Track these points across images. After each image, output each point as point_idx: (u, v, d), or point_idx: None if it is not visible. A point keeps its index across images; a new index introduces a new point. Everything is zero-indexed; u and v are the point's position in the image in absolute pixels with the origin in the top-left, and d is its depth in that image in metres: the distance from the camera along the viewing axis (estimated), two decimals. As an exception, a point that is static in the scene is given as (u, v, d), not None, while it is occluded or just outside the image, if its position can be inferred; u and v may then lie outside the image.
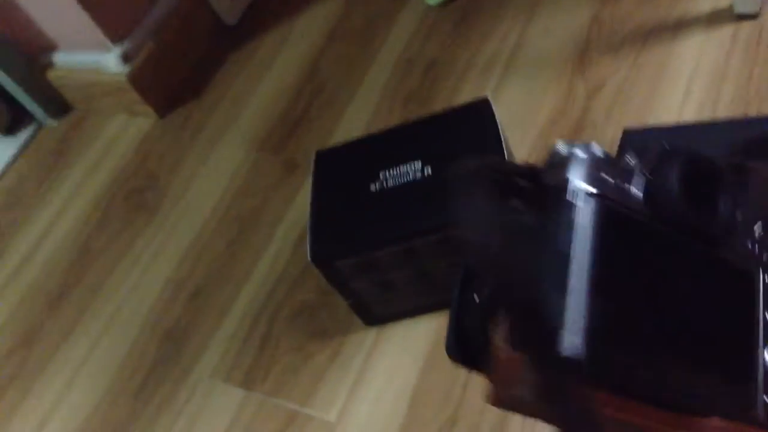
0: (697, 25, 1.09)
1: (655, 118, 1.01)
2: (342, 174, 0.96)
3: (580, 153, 0.33)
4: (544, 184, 0.32)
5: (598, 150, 0.34)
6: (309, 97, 1.32)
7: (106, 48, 1.39)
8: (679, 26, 1.10)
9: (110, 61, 1.40)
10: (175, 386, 1.03)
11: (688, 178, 0.33)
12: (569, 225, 0.31)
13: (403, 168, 0.91)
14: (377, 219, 0.88)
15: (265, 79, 1.39)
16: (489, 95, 0.94)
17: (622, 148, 0.95)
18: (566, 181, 0.32)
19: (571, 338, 0.29)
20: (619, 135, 0.94)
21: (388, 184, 0.90)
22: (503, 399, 0.31)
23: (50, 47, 1.48)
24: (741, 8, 1.06)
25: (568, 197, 0.32)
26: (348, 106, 1.28)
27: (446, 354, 0.34)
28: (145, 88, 1.41)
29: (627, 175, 0.33)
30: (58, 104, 1.53)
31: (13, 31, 1.45)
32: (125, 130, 1.43)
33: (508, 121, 1.08)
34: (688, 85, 1.03)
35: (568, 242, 0.31)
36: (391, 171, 0.91)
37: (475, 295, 0.34)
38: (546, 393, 0.29)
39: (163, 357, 1.07)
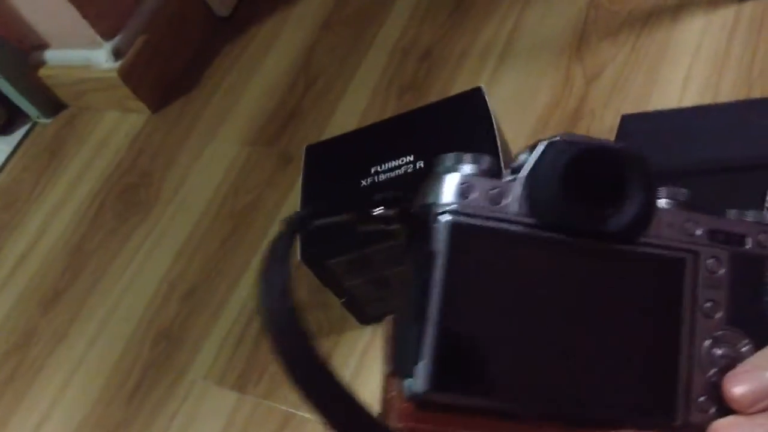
0: (697, 7, 1.05)
1: (655, 104, 0.98)
2: (333, 169, 0.94)
3: (451, 168, 0.30)
4: (408, 209, 0.30)
5: (485, 161, 0.30)
6: (303, 89, 1.30)
7: (96, 44, 1.37)
8: (680, 8, 1.07)
9: (101, 57, 1.38)
10: (169, 389, 1.01)
11: (581, 174, 0.29)
12: (429, 249, 0.29)
13: (395, 162, 0.88)
14: (368, 216, 0.85)
15: (258, 71, 1.37)
16: (485, 84, 0.91)
17: (621, 134, 0.92)
18: (429, 203, 0.30)
19: (421, 371, 0.28)
20: (618, 122, 0.91)
21: (380, 179, 0.87)
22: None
23: (41, 45, 1.46)
24: (743, -12, 1.02)
25: (429, 220, 0.29)
26: (342, 97, 1.25)
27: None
28: (137, 83, 1.38)
29: (507, 184, 0.30)
30: (50, 102, 1.51)
31: (4, 29, 1.43)
32: (118, 126, 1.41)
33: (505, 110, 1.05)
34: (689, 69, 1.00)
35: (428, 268, 0.29)
36: (383, 165, 0.88)
37: None
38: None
39: (157, 359, 1.05)
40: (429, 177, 0.30)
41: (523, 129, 1.05)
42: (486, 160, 0.30)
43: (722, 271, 0.31)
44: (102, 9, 1.36)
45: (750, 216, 0.32)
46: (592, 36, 1.10)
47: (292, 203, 1.15)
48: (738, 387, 0.28)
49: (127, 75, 1.37)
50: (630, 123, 0.92)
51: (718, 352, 0.30)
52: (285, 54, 1.37)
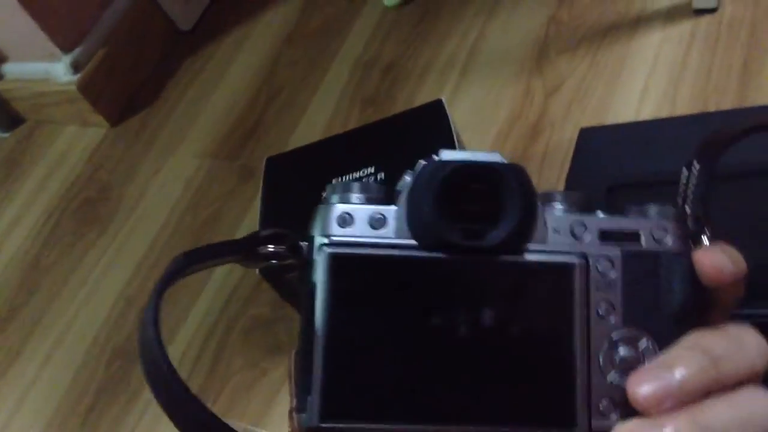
0: (655, 22, 1.07)
1: (614, 117, 0.99)
2: (293, 182, 0.93)
3: (338, 199, 0.30)
4: (296, 243, 0.30)
5: (372, 188, 0.30)
6: (265, 102, 1.29)
7: (55, 57, 1.35)
8: (637, 23, 1.08)
9: (60, 70, 1.36)
10: (125, 408, 0.99)
11: (457, 192, 0.29)
12: (311, 285, 0.29)
13: (356, 173, 0.88)
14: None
15: (220, 84, 1.36)
16: (447, 97, 0.91)
17: (579, 147, 0.93)
18: (310, 236, 0.30)
19: (310, 404, 0.28)
20: (577, 134, 0.92)
21: (340, 192, 0.86)
22: None
23: (-2, 58, 1.43)
24: (699, 3, 1.04)
25: (310, 253, 0.29)
26: (305, 110, 1.25)
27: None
28: (97, 97, 1.37)
29: (388, 209, 0.30)
30: (8, 116, 1.48)
31: (-41, 41, 1.40)
32: (77, 140, 1.39)
33: (466, 122, 1.06)
34: (647, 83, 1.01)
35: (311, 301, 0.29)
36: (344, 177, 0.88)
37: None
38: None
39: (113, 377, 1.03)
40: (315, 209, 0.31)
41: (483, 141, 1.05)
42: (374, 188, 0.30)
43: (615, 272, 0.30)
44: (61, 21, 1.34)
45: (651, 211, 0.31)
46: (552, 50, 1.11)
47: (253, 217, 1.13)
48: (642, 387, 0.27)
49: (86, 88, 1.35)
50: (589, 135, 0.93)
51: (618, 353, 0.29)
52: (247, 68, 1.36)
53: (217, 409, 0.93)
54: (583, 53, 1.08)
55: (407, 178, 0.30)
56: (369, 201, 0.30)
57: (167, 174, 1.26)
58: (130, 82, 1.41)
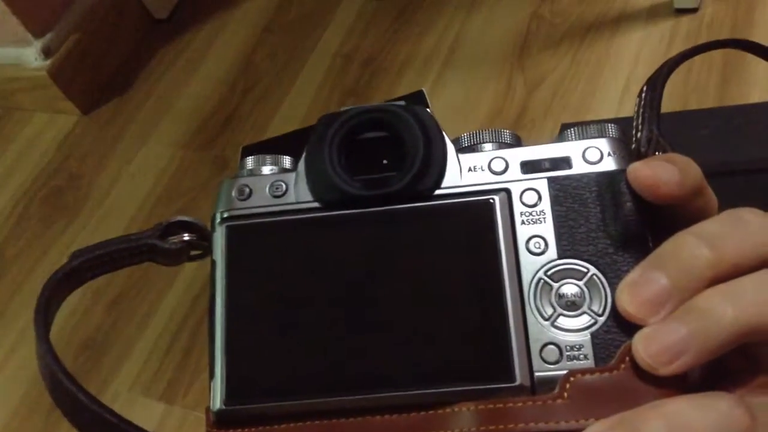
0: (636, 20, 1.07)
1: (595, 113, 0.99)
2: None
3: (248, 173, 0.28)
4: (199, 227, 0.29)
5: (286, 160, 0.29)
6: (242, 93, 1.27)
7: (26, 42, 1.32)
8: (619, 21, 1.08)
9: (30, 55, 1.32)
10: (92, 400, 0.96)
11: (354, 142, 0.27)
12: (212, 263, 0.27)
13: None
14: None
15: (196, 74, 1.33)
16: (428, 90, 0.90)
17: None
18: (213, 213, 0.28)
19: (215, 389, 0.26)
20: (557, 130, 0.91)
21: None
22: None
23: (-34, 41, 1.39)
24: (680, 3, 1.04)
25: (212, 231, 0.28)
26: (283, 101, 1.23)
27: None
28: (68, 83, 1.33)
29: (289, 175, 0.28)
30: (-24, 101, 1.44)
31: (-75, 23, 1.36)
32: (46, 127, 1.35)
33: (446, 118, 1.04)
34: (627, 80, 1.00)
35: (213, 283, 0.27)
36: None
37: None
38: None
39: (81, 369, 1.00)
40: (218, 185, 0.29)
41: (464, 136, 1.04)
42: (287, 160, 0.29)
43: (542, 203, 0.27)
44: (33, 5, 1.30)
45: (589, 132, 0.28)
46: (534, 46, 1.11)
47: (228, 209, 1.11)
48: (632, 298, 0.23)
49: (57, 75, 1.32)
50: (570, 132, 0.92)
51: (557, 291, 0.25)
52: (224, 58, 1.33)
53: (188, 402, 0.91)
54: (565, 50, 1.08)
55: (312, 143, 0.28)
56: (274, 171, 0.28)
57: (139, 163, 1.23)
58: (102, 69, 1.38)
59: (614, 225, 0.26)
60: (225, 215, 0.28)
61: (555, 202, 0.27)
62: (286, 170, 0.28)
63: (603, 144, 0.27)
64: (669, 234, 0.24)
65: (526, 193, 0.27)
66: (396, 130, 0.27)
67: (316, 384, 0.26)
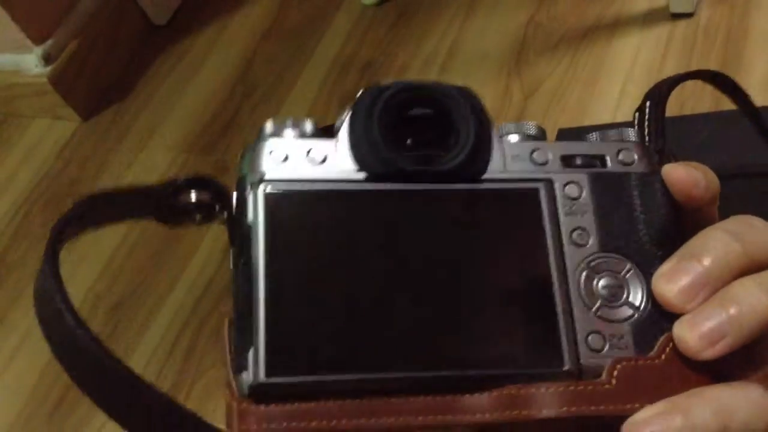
0: (633, 25, 1.08)
1: (591, 118, 0.99)
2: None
3: (269, 136, 0.26)
4: (221, 188, 0.26)
5: (306, 124, 0.27)
6: (241, 98, 1.28)
7: (26, 48, 1.33)
8: (615, 26, 1.09)
9: (31, 62, 1.33)
10: (91, 408, 0.96)
11: (403, 116, 0.26)
12: (246, 225, 0.25)
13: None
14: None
15: (195, 79, 1.34)
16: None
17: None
18: (241, 176, 0.26)
19: (253, 358, 0.24)
20: (555, 136, 0.92)
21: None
22: None
23: (-34, 48, 1.40)
24: (677, 7, 1.05)
25: (244, 194, 0.25)
26: (281, 108, 1.24)
27: None
28: (68, 90, 1.34)
29: (328, 143, 0.26)
30: (-24, 108, 1.45)
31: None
32: (47, 134, 1.36)
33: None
34: (624, 85, 1.01)
35: (248, 246, 0.25)
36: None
37: None
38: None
39: (82, 374, 1.01)
40: (244, 149, 0.27)
41: (462, 141, 1.05)
42: (308, 124, 0.27)
43: (584, 196, 0.27)
44: (33, 12, 1.31)
45: (611, 135, 0.29)
46: (531, 51, 1.11)
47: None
48: (670, 286, 0.25)
49: (57, 81, 1.32)
50: (566, 137, 0.93)
51: (599, 283, 0.26)
52: (223, 64, 1.34)
53: (189, 406, 0.91)
54: (562, 54, 1.08)
55: (344, 114, 0.27)
56: (304, 137, 0.27)
57: (139, 168, 1.24)
58: (102, 75, 1.39)
59: (650, 223, 0.27)
60: (261, 178, 0.25)
61: (595, 196, 0.27)
62: (313, 136, 0.27)
63: (634, 147, 0.28)
64: (686, 239, 0.26)
65: (569, 185, 0.27)
66: (446, 108, 0.27)
67: (360, 360, 0.24)
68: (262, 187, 0.25)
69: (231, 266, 0.26)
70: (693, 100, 0.97)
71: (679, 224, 0.28)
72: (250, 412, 0.23)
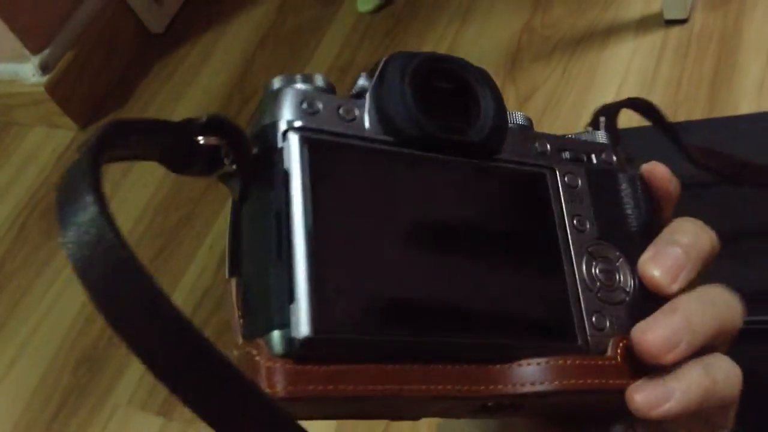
0: (626, 32, 1.08)
1: (586, 124, 1.00)
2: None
3: (289, 85, 0.25)
4: (240, 134, 0.24)
5: (318, 79, 0.25)
6: (238, 107, 1.28)
7: (24, 58, 1.33)
8: (609, 33, 1.09)
9: (28, 71, 1.34)
10: (91, 415, 0.97)
11: (429, 85, 0.26)
12: (281, 172, 0.23)
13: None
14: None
15: (192, 88, 1.34)
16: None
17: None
18: (271, 122, 0.24)
19: (298, 313, 0.21)
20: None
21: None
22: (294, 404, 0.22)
23: (-36, 57, 1.41)
24: (670, 14, 1.05)
25: (275, 140, 0.24)
26: (278, 115, 1.24)
27: None
28: (65, 98, 1.34)
29: (354, 101, 0.26)
30: (-26, 117, 1.46)
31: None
32: (45, 142, 1.37)
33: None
34: (618, 92, 1.02)
35: (282, 195, 0.23)
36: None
37: None
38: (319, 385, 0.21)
39: (79, 383, 1.01)
40: (263, 98, 0.25)
41: (457, 148, 1.05)
42: (320, 78, 0.26)
43: (581, 186, 0.28)
44: (30, 22, 1.32)
45: (585, 137, 0.30)
46: (525, 58, 1.12)
47: (224, 220, 1.12)
48: (657, 268, 0.27)
49: (54, 90, 1.33)
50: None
51: (597, 267, 0.27)
52: (219, 71, 1.35)
53: (186, 416, 0.92)
54: (556, 61, 1.09)
55: (361, 80, 0.26)
56: (310, 89, 0.25)
57: (137, 176, 1.24)
58: (99, 84, 1.39)
59: (634, 216, 0.29)
60: (295, 125, 0.24)
61: (590, 188, 0.29)
62: (323, 90, 0.26)
63: (611, 149, 0.30)
64: (660, 231, 0.29)
65: (568, 175, 0.28)
66: (470, 84, 0.27)
67: (406, 323, 0.24)
68: (299, 134, 0.24)
69: (232, 227, 0.25)
70: (687, 104, 0.97)
71: (656, 218, 0.30)
72: (291, 373, 0.21)
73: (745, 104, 0.93)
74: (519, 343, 0.25)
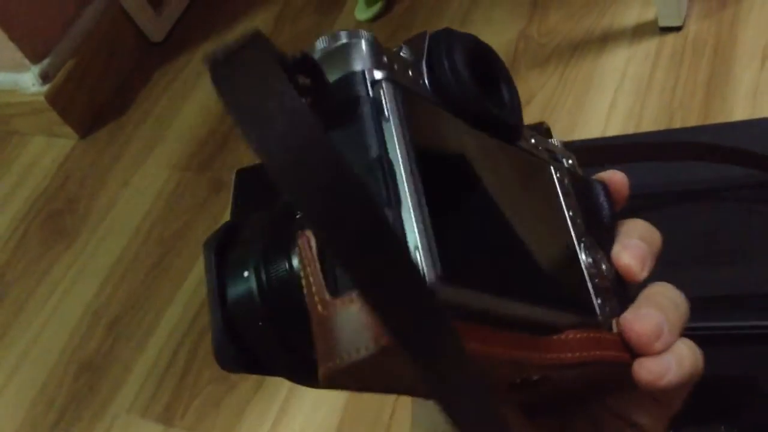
0: (622, 39, 1.09)
1: (582, 131, 1.00)
2: (265, 194, 0.92)
3: (360, 37, 0.23)
4: (324, 79, 0.22)
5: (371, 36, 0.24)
6: (237, 115, 1.29)
7: (24, 67, 1.34)
8: (605, 40, 1.10)
9: (28, 80, 1.34)
10: (92, 422, 0.97)
11: (471, 63, 0.26)
12: (373, 122, 0.21)
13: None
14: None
15: (192, 96, 1.35)
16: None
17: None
18: (357, 70, 0.22)
19: (429, 260, 0.20)
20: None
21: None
22: (339, 374, 0.20)
23: (-36, 67, 1.41)
24: (665, 21, 1.06)
25: (361, 89, 0.22)
26: (277, 123, 1.24)
27: (220, 366, 0.23)
28: (65, 108, 1.35)
29: (409, 63, 0.25)
30: (-26, 126, 1.46)
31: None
32: (45, 151, 1.37)
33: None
34: (614, 99, 1.02)
35: (380, 143, 0.21)
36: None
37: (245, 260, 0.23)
38: (401, 340, 0.18)
39: (80, 390, 1.01)
40: (330, 50, 0.23)
41: (454, 155, 1.06)
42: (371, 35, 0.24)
43: (568, 183, 0.30)
44: (30, 31, 1.33)
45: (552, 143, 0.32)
46: (522, 65, 1.12)
47: (224, 230, 1.13)
48: (632, 257, 0.30)
49: (54, 99, 1.34)
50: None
51: (589, 256, 0.29)
52: (219, 80, 1.35)
53: (186, 423, 0.92)
54: (553, 68, 1.10)
55: (404, 53, 0.25)
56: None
57: (136, 186, 1.25)
58: (99, 93, 1.40)
59: (604, 215, 0.32)
60: (384, 76, 0.22)
61: (575, 187, 0.31)
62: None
63: (573, 157, 0.32)
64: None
65: (559, 172, 0.30)
66: (500, 72, 0.28)
67: (509, 284, 0.23)
68: (392, 84, 0.22)
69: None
70: (681, 111, 0.98)
71: (616, 218, 0.32)
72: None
73: (740, 111, 0.94)
74: (563, 318, 0.27)
